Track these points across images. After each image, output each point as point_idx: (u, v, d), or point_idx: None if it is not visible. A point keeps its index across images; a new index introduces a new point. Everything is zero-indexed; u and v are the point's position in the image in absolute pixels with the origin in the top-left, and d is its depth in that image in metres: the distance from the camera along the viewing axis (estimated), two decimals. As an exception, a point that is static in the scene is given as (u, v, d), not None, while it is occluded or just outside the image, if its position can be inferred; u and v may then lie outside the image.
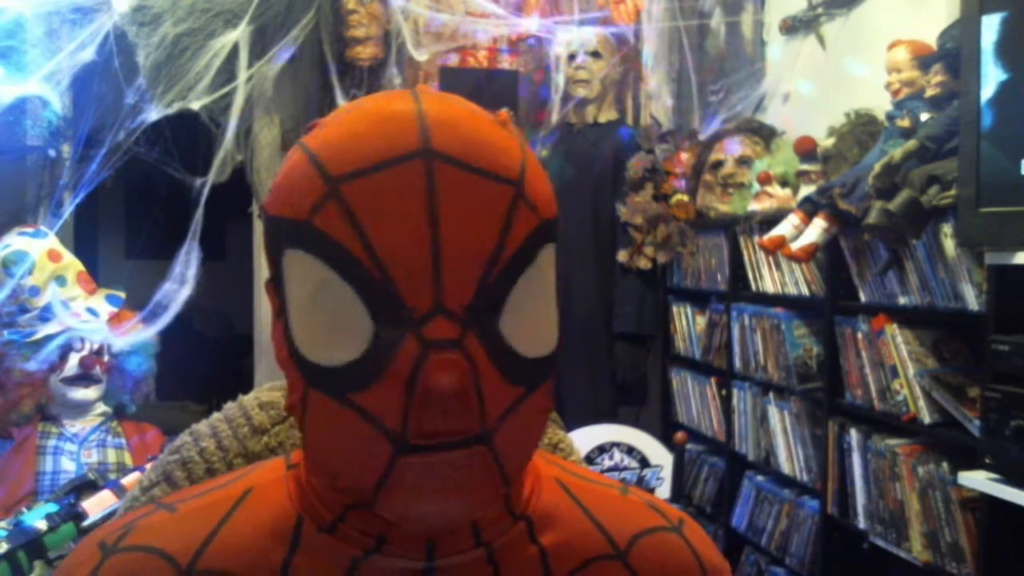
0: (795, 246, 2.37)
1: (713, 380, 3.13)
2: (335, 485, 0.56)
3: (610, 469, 2.79)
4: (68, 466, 2.13)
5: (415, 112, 0.52)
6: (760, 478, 2.87)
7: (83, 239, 3.22)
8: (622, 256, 3.33)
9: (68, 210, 2.80)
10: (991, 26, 1.73)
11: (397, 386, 0.50)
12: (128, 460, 2.22)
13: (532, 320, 0.54)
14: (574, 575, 0.61)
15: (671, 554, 0.64)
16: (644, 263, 3.31)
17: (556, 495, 0.64)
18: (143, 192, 3.43)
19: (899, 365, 2.13)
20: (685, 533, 0.66)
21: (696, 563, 0.65)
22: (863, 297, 2.30)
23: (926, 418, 2.05)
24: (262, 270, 3.37)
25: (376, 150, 0.51)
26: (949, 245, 1.97)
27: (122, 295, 2.35)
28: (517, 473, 0.56)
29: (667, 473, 2.84)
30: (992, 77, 1.73)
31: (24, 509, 1.59)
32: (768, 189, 2.79)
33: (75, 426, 2.21)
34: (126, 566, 0.57)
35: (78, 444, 2.18)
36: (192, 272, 2.60)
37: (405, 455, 0.51)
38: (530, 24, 3.37)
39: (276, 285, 0.56)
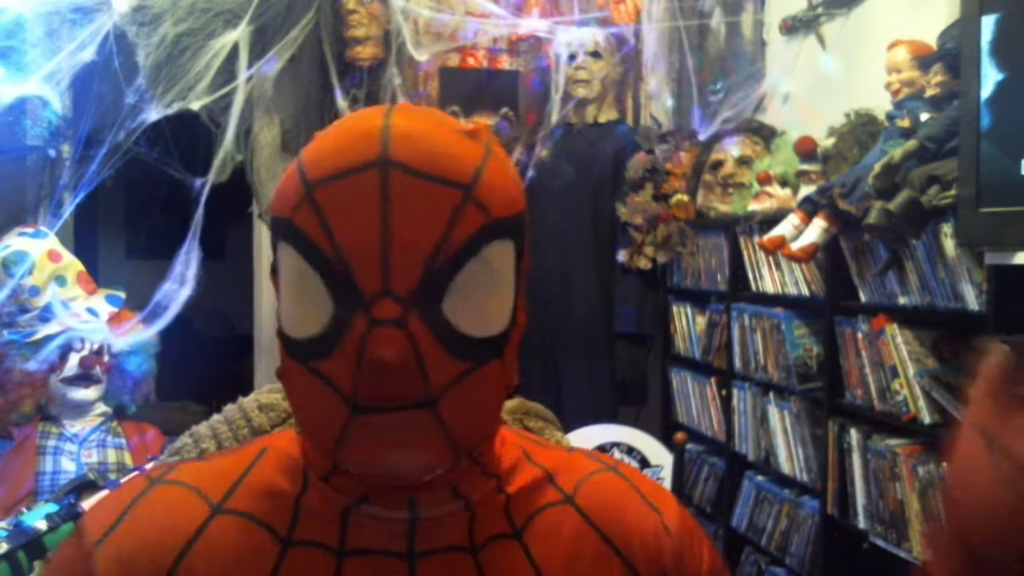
0: (795, 246, 2.37)
1: (713, 380, 3.13)
2: (314, 445, 0.66)
3: (610, 469, 2.78)
4: (68, 466, 2.13)
5: (381, 127, 0.61)
6: (760, 478, 2.87)
7: (83, 239, 3.22)
8: (622, 256, 3.33)
9: (68, 210, 2.79)
10: (991, 26, 1.73)
11: (349, 356, 0.59)
12: (128, 460, 2.22)
13: (476, 304, 0.61)
14: (532, 518, 0.70)
15: (612, 490, 0.74)
16: (644, 263, 3.31)
17: (516, 453, 0.74)
18: (143, 192, 3.43)
19: (899, 365, 2.13)
20: (622, 471, 0.76)
21: (637, 494, 0.74)
22: (863, 297, 2.30)
23: (926, 418, 2.05)
24: (262, 270, 3.37)
25: (344, 160, 0.60)
26: (949, 245, 1.97)
27: (122, 295, 2.35)
28: (470, 437, 0.63)
29: (667, 473, 2.84)
30: (992, 77, 1.73)
31: (24, 509, 1.59)
32: (768, 189, 2.79)
33: (75, 426, 2.21)
34: (167, 495, 0.67)
35: (78, 444, 2.18)
36: (192, 272, 2.60)
37: (358, 415, 0.59)
38: (530, 24, 3.37)
39: (275, 273, 0.65)
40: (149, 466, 0.84)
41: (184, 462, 0.72)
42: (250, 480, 0.69)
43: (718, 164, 3.13)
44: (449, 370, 0.60)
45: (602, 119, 3.44)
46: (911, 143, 2.06)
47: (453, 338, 0.60)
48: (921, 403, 2.06)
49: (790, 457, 2.67)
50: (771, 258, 2.74)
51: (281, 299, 0.64)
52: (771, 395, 2.75)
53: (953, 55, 2.04)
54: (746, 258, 2.91)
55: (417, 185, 0.59)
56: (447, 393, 0.60)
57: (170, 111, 2.80)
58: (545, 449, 0.77)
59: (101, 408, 2.26)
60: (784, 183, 2.79)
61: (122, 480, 1.68)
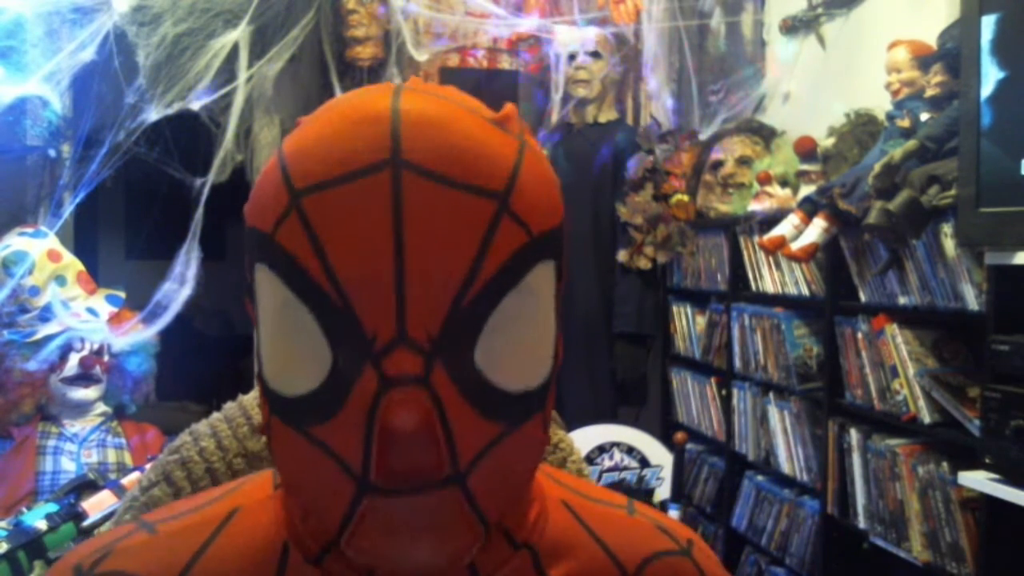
0: (795, 246, 2.37)
1: (713, 380, 3.12)
2: (305, 522, 0.54)
3: (610, 469, 2.79)
4: (68, 466, 2.13)
5: (389, 113, 0.47)
6: (760, 478, 2.87)
7: (83, 239, 3.22)
8: (622, 256, 3.32)
9: (68, 210, 2.79)
10: (991, 26, 1.73)
11: (357, 423, 0.46)
12: (128, 460, 2.22)
13: (516, 349, 0.48)
14: None
15: None
16: (644, 263, 3.31)
17: (564, 520, 0.60)
18: (143, 192, 3.43)
19: (899, 365, 2.13)
20: (695, 556, 0.63)
21: None
22: (863, 297, 2.30)
23: (926, 418, 2.05)
24: (262, 270, 3.37)
25: (342, 159, 0.46)
26: (949, 245, 1.97)
27: (122, 295, 2.35)
28: (503, 511, 0.52)
29: (667, 473, 2.84)
30: (992, 76, 1.73)
31: (24, 509, 1.59)
32: (768, 189, 2.79)
33: (75, 426, 2.21)
34: None
35: (78, 444, 2.18)
36: (192, 272, 2.60)
37: (369, 496, 0.47)
38: (530, 24, 3.37)
39: (251, 298, 0.52)
40: (148, 466, 0.84)
41: (126, 533, 0.58)
42: (207, 563, 0.55)
43: (718, 164, 3.13)
44: (480, 437, 0.48)
45: (602, 119, 3.44)
46: (911, 143, 2.06)
47: (487, 396, 0.47)
48: (921, 403, 2.06)
49: (790, 457, 2.67)
50: (771, 258, 2.74)
51: (261, 337, 0.50)
52: (771, 395, 2.75)
53: (953, 55, 2.04)
54: (746, 258, 2.91)
55: (439, 194, 0.45)
56: (477, 466, 0.48)
57: (170, 111, 2.80)
58: (599, 507, 0.63)
59: (101, 408, 2.26)
60: (784, 183, 2.79)
61: (123, 480, 1.68)
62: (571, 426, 2.54)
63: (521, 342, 0.49)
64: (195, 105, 2.81)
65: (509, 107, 0.52)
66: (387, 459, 0.46)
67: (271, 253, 0.47)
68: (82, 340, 2.22)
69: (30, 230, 2.34)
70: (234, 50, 2.86)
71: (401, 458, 0.45)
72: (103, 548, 0.56)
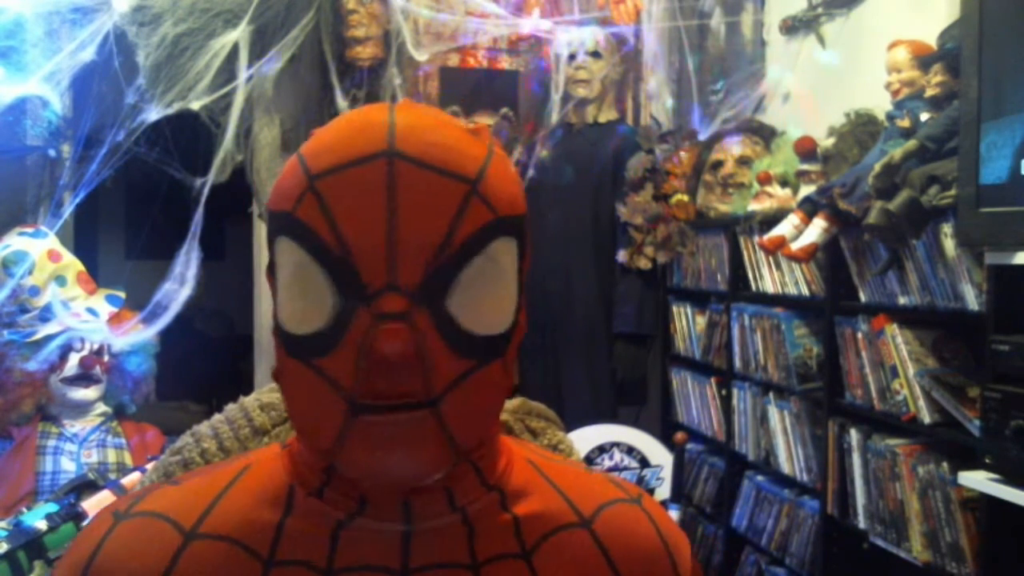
0: (795, 246, 2.37)
1: (713, 380, 3.13)
2: (310, 447, 0.64)
3: (610, 469, 2.79)
4: (68, 466, 2.13)
5: (386, 120, 0.60)
6: (760, 478, 2.87)
7: (83, 239, 3.22)
8: (622, 256, 3.32)
9: (68, 210, 2.79)
10: (991, 26, 1.73)
11: (351, 352, 0.57)
12: (128, 460, 2.21)
13: (482, 302, 0.60)
14: (545, 539, 0.67)
15: (633, 523, 0.71)
16: (644, 263, 3.31)
17: (527, 471, 0.70)
18: (143, 192, 3.43)
19: (899, 365, 2.13)
20: (645, 505, 0.73)
21: (656, 533, 0.71)
22: (863, 297, 2.30)
23: (926, 418, 2.05)
24: (262, 270, 3.37)
25: (349, 151, 0.59)
26: (949, 245, 1.97)
27: (122, 295, 2.35)
28: (470, 439, 0.61)
29: (667, 473, 2.84)
30: (992, 77, 1.73)
31: (24, 509, 1.59)
32: (768, 189, 2.79)
33: (75, 426, 2.21)
34: (136, 528, 0.64)
35: (78, 444, 2.18)
36: (192, 272, 2.60)
37: (358, 414, 0.57)
38: (530, 24, 3.37)
39: (271, 271, 0.63)
40: (149, 466, 0.84)
41: (155, 487, 0.69)
42: (226, 503, 0.65)
43: (718, 164, 3.13)
44: (452, 369, 0.59)
45: (602, 119, 3.44)
46: (911, 143, 2.06)
47: (458, 335, 0.59)
48: (921, 403, 2.06)
49: (790, 457, 2.67)
50: (771, 258, 2.74)
51: (279, 296, 0.62)
52: (771, 395, 2.75)
53: (953, 55, 2.04)
54: (746, 258, 2.91)
55: (424, 177, 0.58)
56: (449, 393, 0.59)
57: (170, 111, 2.80)
58: (559, 465, 0.74)
59: (101, 408, 2.26)
60: (784, 183, 2.79)
61: (123, 480, 1.68)
62: (571, 426, 2.54)
63: (484, 297, 0.60)
64: (195, 105, 2.81)
65: (481, 125, 0.66)
66: (374, 380, 0.57)
67: (292, 226, 0.60)
68: (82, 340, 2.22)
69: (30, 230, 2.33)
70: (234, 50, 2.86)
71: (385, 379, 0.56)
72: (136, 497, 0.67)
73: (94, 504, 1.58)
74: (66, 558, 0.65)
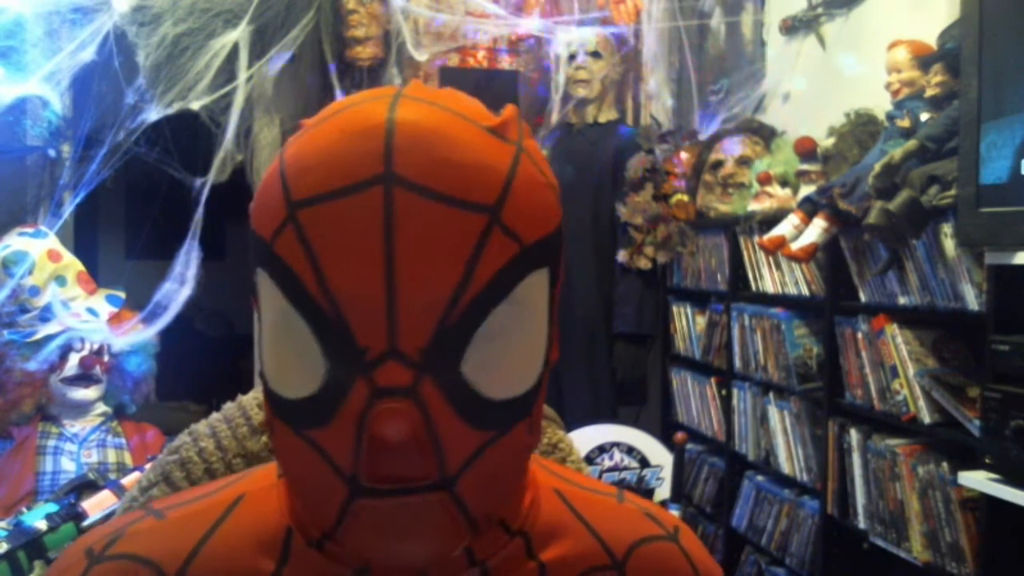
0: (795, 246, 2.37)
1: (713, 380, 3.12)
2: (309, 520, 0.56)
3: (610, 469, 2.79)
4: (68, 466, 2.13)
5: (384, 125, 0.48)
6: (760, 478, 2.87)
7: (83, 239, 3.22)
8: (622, 256, 3.32)
9: (68, 210, 2.80)
10: (991, 26, 1.73)
11: (348, 429, 0.48)
12: (128, 460, 2.22)
13: (505, 359, 0.50)
14: None
15: (667, 562, 0.64)
16: (644, 263, 3.31)
17: (555, 507, 0.62)
18: (143, 192, 3.43)
19: (899, 365, 2.13)
20: (681, 541, 0.65)
21: (692, 571, 0.64)
22: (863, 297, 2.30)
23: (926, 418, 2.05)
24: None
25: (337, 173, 0.48)
26: (949, 245, 1.97)
27: (122, 295, 2.35)
28: (491, 513, 0.55)
29: (667, 473, 2.84)
30: (992, 76, 1.73)
31: (24, 509, 1.59)
32: (768, 189, 2.79)
33: (75, 426, 2.21)
34: (112, 575, 0.56)
35: (78, 444, 2.18)
36: (192, 272, 2.60)
37: (360, 497, 0.49)
38: (530, 24, 3.37)
39: (254, 295, 0.54)
40: (148, 466, 0.84)
41: (135, 519, 0.60)
42: (215, 544, 0.57)
43: (718, 164, 3.13)
44: (468, 444, 0.49)
45: (602, 119, 3.44)
46: (911, 143, 2.06)
47: (475, 405, 0.49)
48: (921, 403, 2.06)
49: (790, 457, 2.67)
50: (771, 258, 2.74)
51: (263, 338, 0.52)
52: (771, 395, 2.75)
53: (953, 55, 2.04)
54: (746, 258, 2.91)
55: (430, 210, 0.47)
56: (466, 471, 0.49)
57: (170, 111, 2.80)
58: (590, 494, 0.65)
59: (101, 408, 2.26)
60: (784, 183, 2.78)
61: (123, 480, 1.68)
62: (571, 426, 2.54)
63: (510, 352, 0.50)
64: (195, 105, 2.81)
65: (509, 110, 0.53)
66: (376, 466, 0.48)
67: (270, 262, 0.49)
68: (82, 340, 2.22)
69: (30, 230, 2.33)
70: (234, 50, 2.86)
71: (389, 465, 0.47)
72: (113, 533, 0.59)
73: (94, 504, 1.59)
74: None
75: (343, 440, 0.48)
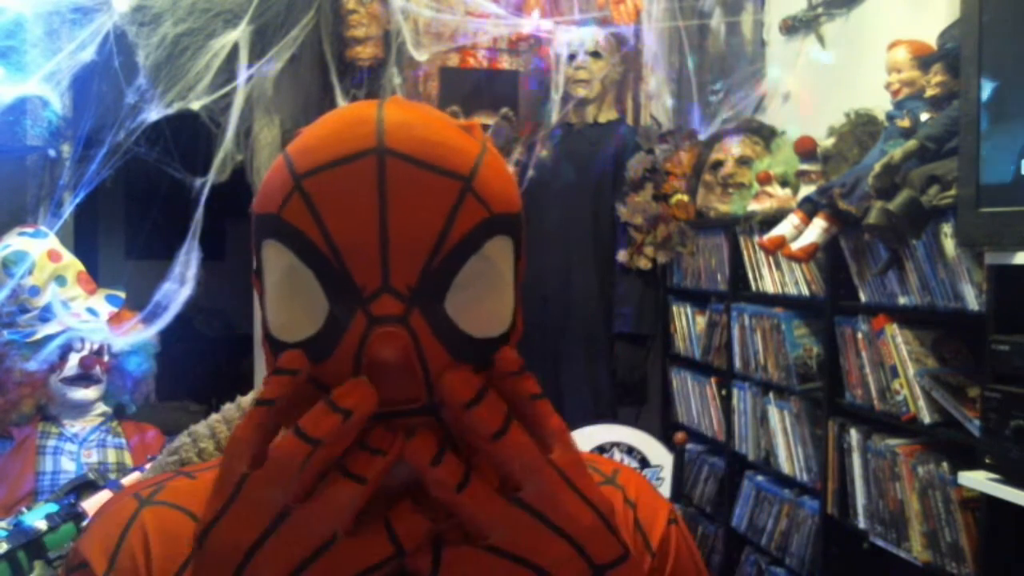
0: (795, 246, 2.37)
1: (713, 380, 3.12)
2: None
3: (610, 469, 2.79)
4: (68, 466, 2.13)
5: (375, 116, 0.58)
6: (760, 478, 2.87)
7: (83, 239, 3.22)
8: (622, 256, 3.33)
9: (68, 210, 2.80)
10: (991, 26, 1.73)
11: (347, 359, 0.55)
12: (128, 460, 2.22)
13: (479, 303, 0.58)
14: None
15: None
16: (644, 263, 3.31)
17: None
18: (143, 192, 3.43)
19: (899, 365, 2.13)
20: (619, 482, 0.72)
21: (628, 506, 0.70)
22: (863, 297, 2.30)
23: (926, 418, 2.05)
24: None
25: (336, 148, 0.56)
26: (949, 245, 1.97)
27: (122, 295, 2.35)
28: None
29: (667, 473, 2.84)
30: (992, 77, 1.73)
31: (24, 509, 1.59)
32: (768, 189, 2.79)
33: (75, 426, 2.21)
34: (162, 518, 0.63)
35: (78, 444, 2.18)
36: (192, 272, 2.60)
37: None
38: (530, 24, 3.37)
39: (258, 276, 0.61)
40: (148, 466, 0.84)
41: (169, 477, 0.68)
42: None
43: (718, 164, 3.13)
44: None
45: (602, 119, 3.44)
46: (911, 143, 2.06)
47: (456, 338, 0.56)
48: (921, 403, 2.06)
49: (790, 457, 2.67)
50: (771, 258, 2.74)
51: (268, 303, 0.60)
52: (771, 395, 2.75)
53: (953, 55, 2.04)
54: (746, 258, 2.91)
55: (416, 174, 0.56)
56: None
57: (170, 111, 2.80)
58: None
59: (101, 408, 2.26)
60: (784, 183, 2.79)
61: (123, 480, 1.68)
62: (571, 426, 2.54)
63: (482, 298, 0.58)
64: (195, 105, 2.81)
65: (473, 122, 0.64)
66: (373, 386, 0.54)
67: (278, 228, 0.57)
68: (82, 340, 2.22)
69: (30, 230, 2.33)
70: (234, 50, 2.86)
71: (384, 385, 0.54)
72: (155, 484, 0.66)
73: (94, 504, 1.59)
74: (91, 539, 0.63)
75: (342, 370, 0.55)
